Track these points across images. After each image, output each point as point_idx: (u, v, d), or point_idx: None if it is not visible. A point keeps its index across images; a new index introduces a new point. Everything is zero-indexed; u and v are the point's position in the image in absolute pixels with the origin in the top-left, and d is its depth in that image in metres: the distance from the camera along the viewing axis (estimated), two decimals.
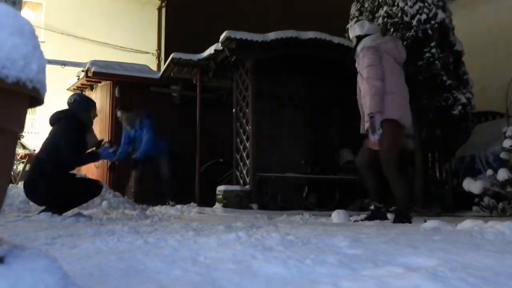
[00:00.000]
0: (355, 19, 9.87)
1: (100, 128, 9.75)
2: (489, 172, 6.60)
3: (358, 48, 4.38)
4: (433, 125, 7.74)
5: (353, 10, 9.97)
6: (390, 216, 4.31)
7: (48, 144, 4.20)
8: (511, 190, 6.24)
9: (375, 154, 4.25)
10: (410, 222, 3.97)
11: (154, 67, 13.77)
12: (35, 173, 4.17)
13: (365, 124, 4.27)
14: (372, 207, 4.33)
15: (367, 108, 4.18)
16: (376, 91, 4.09)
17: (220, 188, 6.70)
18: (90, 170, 9.82)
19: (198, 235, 2.28)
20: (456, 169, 8.20)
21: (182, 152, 8.05)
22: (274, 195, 7.14)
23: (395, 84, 4.17)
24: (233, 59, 7.32)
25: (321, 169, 7.76)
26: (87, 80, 9.84)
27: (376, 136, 4.16)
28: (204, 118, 7.97)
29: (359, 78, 4.42)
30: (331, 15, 12.31)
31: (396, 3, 8.01)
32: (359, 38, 4.38)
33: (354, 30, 4.49)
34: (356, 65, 4.46)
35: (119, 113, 7.51)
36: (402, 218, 4.03)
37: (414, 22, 7.70)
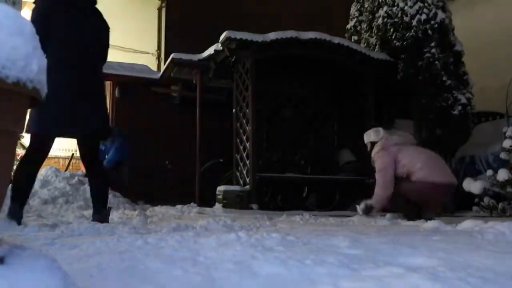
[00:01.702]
0: (355, 19, 9.88)
1: None
2: (489, 172, 6.59)
3: (372, 154, 4.75)
4: (433, 125, 7.73)
5: (353, 10, 9.96)
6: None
7: None
8: (511, 190, 6.23)
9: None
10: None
11: (154, 67, 13.74)
12: None
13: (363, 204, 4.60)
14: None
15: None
16: (379, 199, 4.48)
17: (220, 188, 6.70)
18: None
19: (198, 235, 2.28)
20: (456, 169, 8.19)
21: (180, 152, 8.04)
22: (274, 195, 7.13)
23: (410, 166, 4.52)
24: (233, 59, 7.31)
25: (321, 169, 7.75)
26: None
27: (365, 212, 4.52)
28: (204, 118, 7.97)
29: None
30: (331, 15, 12.30)
31: (396, 3, 8.00)
32: (373, 144, 4.76)
33: (368, 136, 4.83)
34: (373, 164, 4.80)
35: None
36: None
37: (414, 22, 7.69)
